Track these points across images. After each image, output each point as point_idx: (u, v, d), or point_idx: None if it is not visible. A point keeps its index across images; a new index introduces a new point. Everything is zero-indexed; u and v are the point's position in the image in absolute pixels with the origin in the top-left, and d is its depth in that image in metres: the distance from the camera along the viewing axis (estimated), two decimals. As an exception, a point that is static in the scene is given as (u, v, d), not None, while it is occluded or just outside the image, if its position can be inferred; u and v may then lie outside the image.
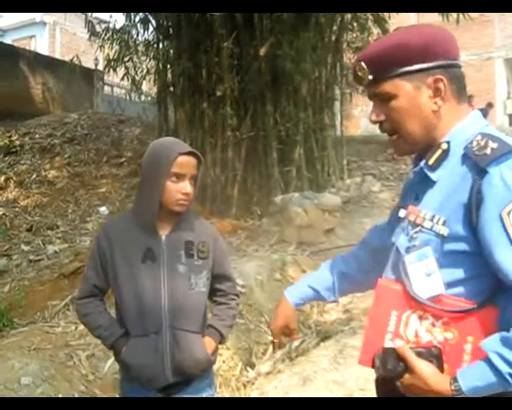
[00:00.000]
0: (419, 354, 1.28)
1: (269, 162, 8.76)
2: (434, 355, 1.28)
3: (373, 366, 1.35)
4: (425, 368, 1.26)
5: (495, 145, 1.26)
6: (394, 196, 8.57)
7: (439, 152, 1.37)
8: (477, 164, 1.26)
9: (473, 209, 1.25)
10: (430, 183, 1.38)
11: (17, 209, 8.90)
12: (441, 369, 1.26)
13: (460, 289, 1.31)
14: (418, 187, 1.43)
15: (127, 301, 2.03)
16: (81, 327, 4.24)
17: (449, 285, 1.31)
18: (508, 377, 1.15)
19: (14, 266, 6.89)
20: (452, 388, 1.21)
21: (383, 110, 1.43)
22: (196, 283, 2.07)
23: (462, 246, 1.29)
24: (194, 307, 2.08)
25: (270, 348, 4.51)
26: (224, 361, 4.08)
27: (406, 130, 1.41)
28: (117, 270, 2.05)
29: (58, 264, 6.63)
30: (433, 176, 1.37)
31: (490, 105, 18.48)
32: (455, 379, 1.22)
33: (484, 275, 1.26)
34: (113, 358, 3.66)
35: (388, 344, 1.33)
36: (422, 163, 1.40)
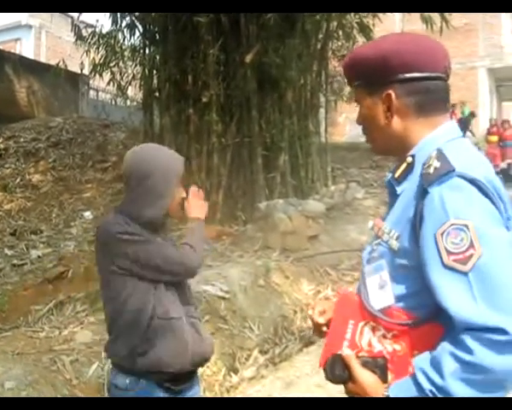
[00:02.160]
0: (365, 364, 1.33)
1: (254, 168, 8.80)
2: (379, 366, 1.33)
3: (324, 370, 1.41)
4: (366, 378, 1.31)
5: (438, 164, 1.27)
6: (378, 204, 8.65)
7: (404, 165, 1.39)
8: (422, 183, 1.28)
9: (417, 226, 1.28)
10: (395, 196, 1.41)
11: (0, 213, 8.86)
12: (385, 379, 1.31)
13: (407, 303, 1.33)
14: (390, 198, 1.47)
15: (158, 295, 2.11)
16: (65, 332, 4.25)
17: (398, 299, 1.34)
18: (428, 392, 1.19)
19: (-3, 270, 6.86)
20: (384, 394, 1.27)
21: (358, 114, 1.49)
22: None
23: (410, 261, 1.31)
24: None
25: (254, 353, 4.55)
26: (207, 366, 4.10)
27: (372, 136, 1.47)
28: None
29: (42, 268, 6.62)
30: (398, 189, 1.39)
31: (473, 114, 18.71)
32: (388, 391, 1.27)
33: (429, 291, 1.27)
34: (97, 363, 3.69)
35: (345, 351, 1.39)
36: (390, 176, 1.44)
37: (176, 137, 9.13)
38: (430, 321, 1.29)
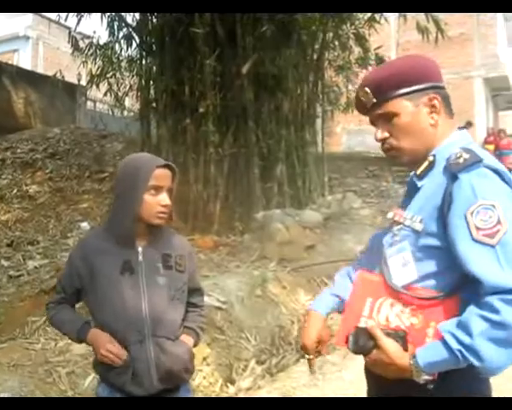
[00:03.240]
0: (387, 335, 1.47)
1: (250, 179, 8.81)
2: (400, 337, 1.46)
3: (347, 344, 1.53)
4: (390, 345, 1.45)
5: (467, 156, 1.46)
6: (375, 213, 8.65)
7: (426, 164, 1.58)
8: (451, 171, 1.47)
9: (445, 208, 1.45)
10: (416, 189, 1.60)
11: (-3, 224, 8.84)
12: (405, 349, 1.44)
13: (430, 281, 1.50)
14: (409, 194, 1.66)
15: (109, 312, 2.06)
16: (61, 344, 4.23)
17: (421, 276, 1.51)
18: (457, 353, 1.33)
19: (-6, 281, 6.83)
20: (411, 362, 1.40)
21: (387, 128, 1.64)
22: (174, 294, 2.13)
23: (434, 241, 1.49)
24: (175, 317, 2.14)
25: (251, 364, 4.54)
26: (204, 377, 4.09)
27: (404, 144, 1.62)
28: (95, 282, 2.08)
29: (38, 280, 6.59)
30: (418, 184, 1.59)
31: (469, 123, 18.75)
32: (414, 356, 1.41)
33: (452, 269, 1.44)
34: (92, 375, 3.67)
35: (368, 323, 1.52)
36: (412, 173, 1.64)
37: (173, 147, 9.13)
38: (450, 296, 1.45)
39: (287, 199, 8.93)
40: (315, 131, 10.55)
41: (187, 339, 2.17)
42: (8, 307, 5.82)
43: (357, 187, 11.38)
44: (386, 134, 1.64)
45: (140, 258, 2.10)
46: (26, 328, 5.10)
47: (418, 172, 1.60)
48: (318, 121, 11.05)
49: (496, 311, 1.30)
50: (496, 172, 1.45)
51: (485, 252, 1.37)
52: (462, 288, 1.43)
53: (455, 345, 1.33)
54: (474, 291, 1.37)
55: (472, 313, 1.34)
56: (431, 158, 1.58)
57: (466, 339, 1.32)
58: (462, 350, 1.32)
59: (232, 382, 4.33)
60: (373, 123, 1.69)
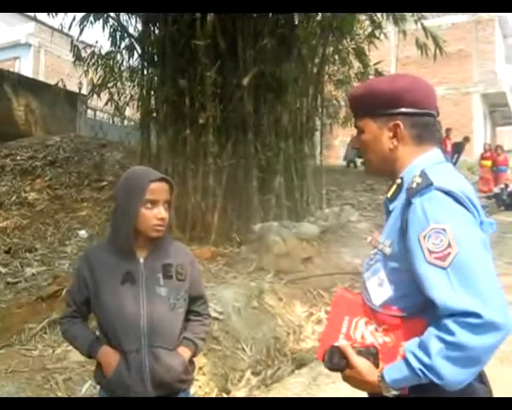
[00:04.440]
0: (359, 353, 1.54)
1: (249, 190, 8.85)
2: (371, 354, 1.54)
3: (323, 360, 1.61)
4: (361, 363, 1.53)
5: (419, 180, 1.52)
6: (372, 226, 8.69)
7: (394, 187, 1.65)
8: (407, 196, 1.53)
9: (404, 233, 1.52)
10: (389, 212, 1.66)
11: (-4, 231, 8.86)
12: (377, 365, 1.52)
13: (400, 302, 1.56)
14: (385, 215, 1.73)
15: (110, 320, 2.13)
16: (58, 351, 4.26)
17: (393, 297, 1.57)
18: (418, 371, 1.41)
19: (-8, 288, 6.85)
20: (379, 379, 1.49)
21: (358, 140, 1.74)
22: (175, 304, 2.18)
23: (400, 264, 1.55)
24: (173, 326, 2.19)
25: (246, 375, 4.57)
26: (200, 387, 4.12)
27: (369, 159, 1.73)
28: (99, 292, 2.15)
29: (36, 287, 6.61)
30: (390, 206, 1.66)
31: (466, 139, 18.86)
32: (381, 373, 1.49)
33: (417, 291, 1.50)
34: (89, 382, 3.70)
35: (341, 343, 1.59)
36: (385, 196, 1.71)
37: (172, 157, 9.16)
38: (417, 317, 1.51)
39: (284, 211, 8.96)
40: (314, 144, 10.61)
41: (184, 351, 2.21)
42: (5, 313, 5.84)
43: (354, 200, 11.45)
44: (357, 145, 1.75)
45: (141, 269, 2.16)
46: (23, 335, 5.11)
47: (389, 194, 1.67)
48: (317, 134, 11.12)
49: (451, 333, 1.37)
50: (448, 194, 1.48)
51: (438, 274, 1.43)
52: (429, 309, 1.47)
53: (416, 364, 1.41)
54: (435, 312, 1.44)
55: (431, 334, 1.42)
56: (399, 181, 1.63)
57: (425, 359, 1.40)
58: (423, 369, 1.40)
59: (227, 392, 4.36)
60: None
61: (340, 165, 19.24)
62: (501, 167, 17.77)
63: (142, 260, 2.17)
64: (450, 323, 1.38)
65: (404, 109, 1.63)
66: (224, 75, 8.97)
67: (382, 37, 10.95)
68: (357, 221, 9.25)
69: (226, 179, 8.87)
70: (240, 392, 4.35)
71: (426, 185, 1.49)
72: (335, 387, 4.05)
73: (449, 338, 1.37)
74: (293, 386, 4.24)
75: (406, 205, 1.53)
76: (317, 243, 7.54)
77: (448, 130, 17.02)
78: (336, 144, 23.62)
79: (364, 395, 1.67)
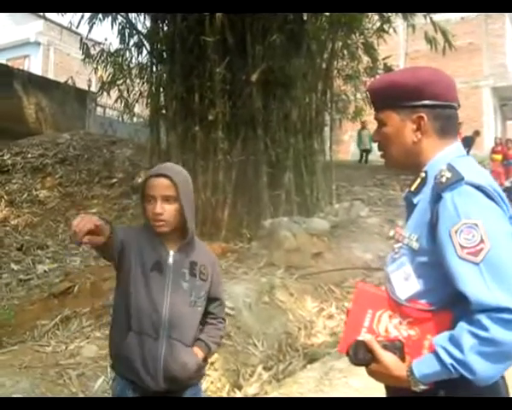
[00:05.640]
0: (384, 347, 1.52)
1: (259, 186, 8.86)
2: (397, 348, 1.52)
3: (347, 354, 1.59)
4: (388, 357, 1.51)
5: (449, 175, 1.50)
6: (382, 222, 8.67)
7: (418, 180, 1.62)
8: (436, 190, 1.51)
9: (434, 226, 1.50)
10: (413, 205, 1.63)
11: (7, 228, 8.94)
12: (403, 359, 1.51)
13: (427, 295, 1.54)
14: (408, 209, 1.70)
15: (134, 300, 2.14)
16: (71, 347, 4.30)
17: (420, 291, 1.56)
18: (450, 367, 1.40)
19: (4, 285, 6.91)
20: (407, 374, 1.47)
21: (378, 133, 1.71)
22: (196, 301, 2.21)
23: (428, 258, 1.54)
24: (192, 322, 2.22)
25: (258, 370, 4.58)
26: (211, 382, 4.14)
27: (390, 152, 1.70)
28: (130, 268, 2.17)
29: (48, 283, 6.66)
30: (414, 200, 1.63)
31: (477, 133, 18.74)
32: (410, 367, 1.47)
33: (446, 284, 1.49)
34: (103, 377, 3.73)
35: (363, 337, 1.57)
36: (407, 190, 1.68)
37: (182, 154, 9.18)
38: (444, 310, 1.50)
39: (294, 207, 8.96)
40: (323, 140, 10.59)
41: (198, 351, 2.24)
42: (18, 310, 5.90)
43: (364, 195, 11.39)
44: (377, 138, 1.72)
45: (170, 261, 2.19)
46: (36, 331, 5.17)
47: (412, 188, 1.64)
48: (326, 129, 11.09)
49: (484, 328, 1.36)
50: (479, 188, 1.47)
51: (471, 270, 1.42)
52: (456, 302, 1.47)
53: (447, 359, 1.40)
54: (467, 306, 1.42)
55: (463, 329, 1.41)
56: (423, 174, 1.62)
57: (458, 354, 1.39)
58: (454, 364, 1.40)
59: (239, 387, 4.37)
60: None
61: (350, 160, 19.17)
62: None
63: (171, 253, 2.20)
64: (483, 318, 1.37)
65: (427, 102, 1.61)
66: (233, 71, 8.97)
67: (391, 31, 10.89)
68: (367, 216, 9.21)
69: (236, 175, 8.89)
70: (251, 387, 4.36)
71: (456, 180, 1.48)
72: (347, 382, 4.05)
73: (482, 334, 1.36)
74: (305, 381, 4.23)
75: (435, 199, 1.51)
76: (327, 239, 7.52)
77: (458, 124, 16.90)
78: (346, 139, 23.51)
79: (372, 395, 1.68)
